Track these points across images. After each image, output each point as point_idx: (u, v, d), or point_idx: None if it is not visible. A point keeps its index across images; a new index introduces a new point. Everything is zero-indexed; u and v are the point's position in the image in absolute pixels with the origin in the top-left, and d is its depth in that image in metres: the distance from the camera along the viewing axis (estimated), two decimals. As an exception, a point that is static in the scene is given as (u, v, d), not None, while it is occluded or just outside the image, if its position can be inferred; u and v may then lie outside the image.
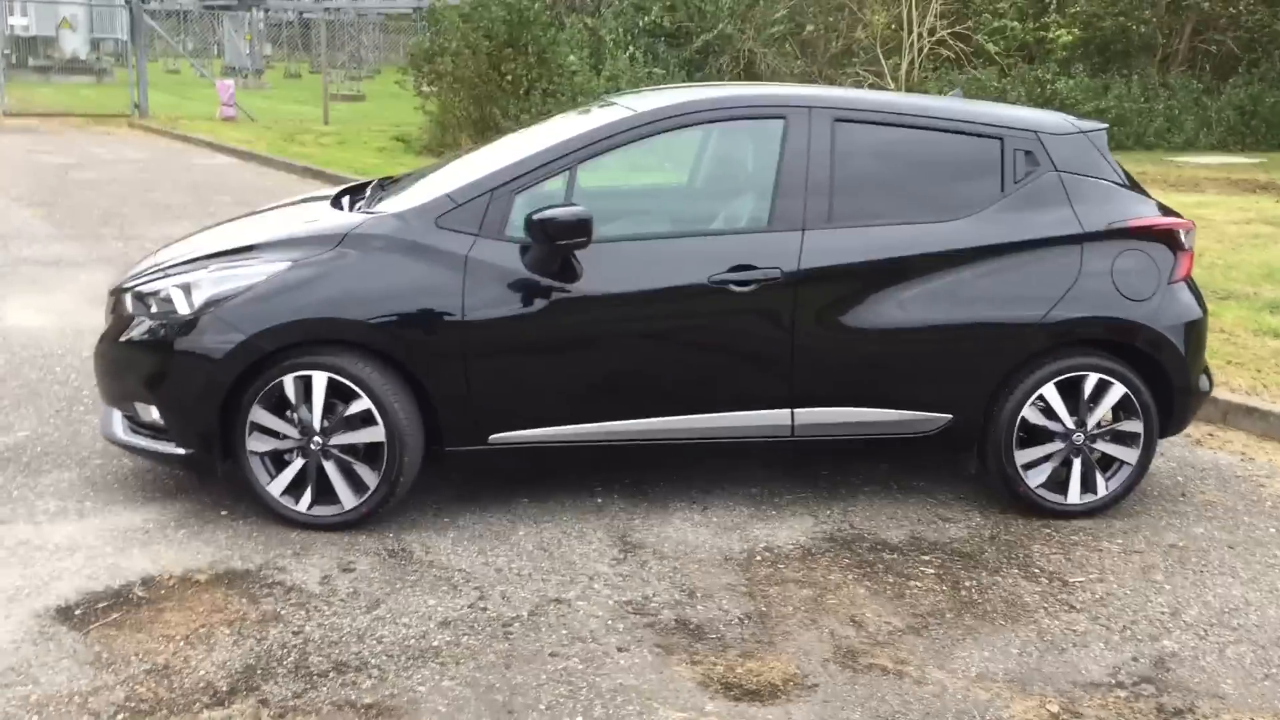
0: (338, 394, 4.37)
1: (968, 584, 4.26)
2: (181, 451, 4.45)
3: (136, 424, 4.58)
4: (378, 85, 32.30)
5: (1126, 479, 4.82)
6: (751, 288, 4.48)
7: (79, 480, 4.88)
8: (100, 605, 3.89)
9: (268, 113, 23.12)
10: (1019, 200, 4.71)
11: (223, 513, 4.61)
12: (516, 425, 4.49)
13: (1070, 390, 4.73)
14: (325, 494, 4.46)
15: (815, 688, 3.55)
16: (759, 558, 4.41)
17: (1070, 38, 19.11)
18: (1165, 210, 4.94)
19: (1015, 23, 19.44)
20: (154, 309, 4.52)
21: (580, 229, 4.29)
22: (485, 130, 16.56)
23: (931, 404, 4.68)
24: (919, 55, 19.05)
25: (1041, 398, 4.71)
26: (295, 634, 3.75)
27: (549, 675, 3.56)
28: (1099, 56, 20.68)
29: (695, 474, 5.07)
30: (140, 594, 3.98)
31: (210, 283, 4.41)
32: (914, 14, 18.79)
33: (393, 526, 4.52)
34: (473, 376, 4.40)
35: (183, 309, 4.42)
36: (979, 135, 4.78)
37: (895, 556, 4.46)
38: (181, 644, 3.67)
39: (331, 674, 3.53)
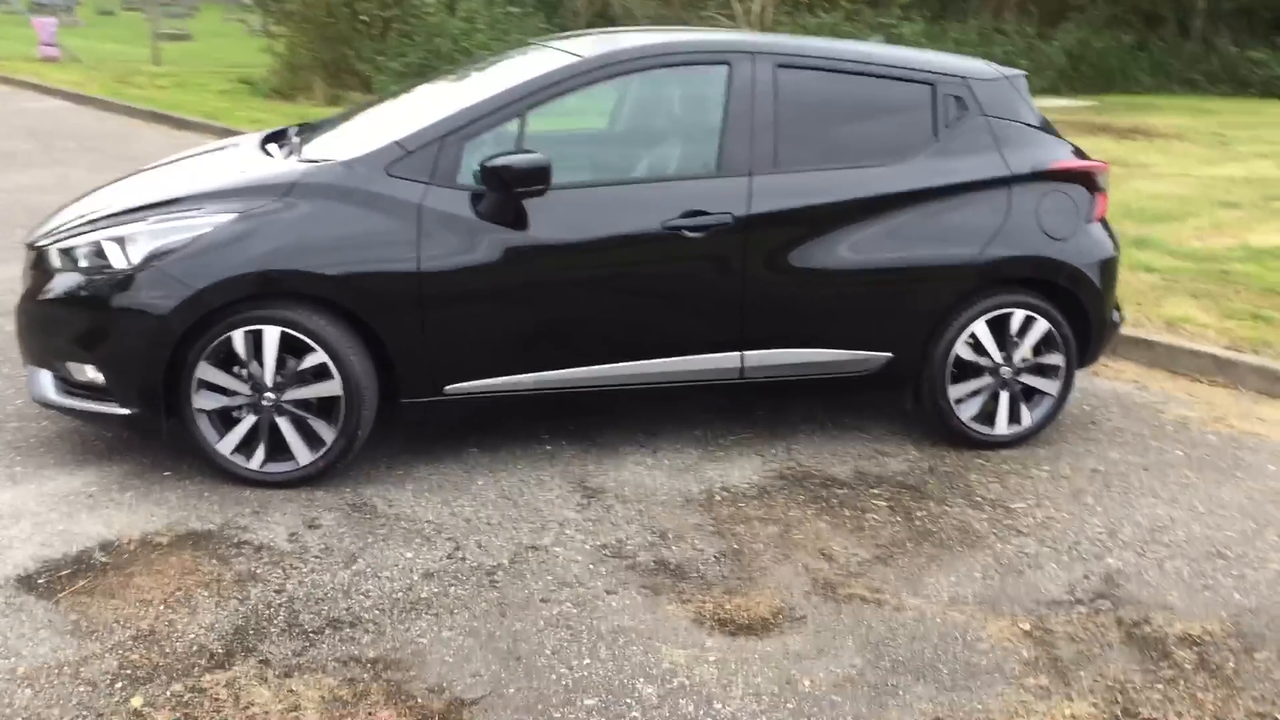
0: (290, 348, 4.27)
1: (919, 514, 4.44)
2: (125, 411, 4.29)
3: (70, 384, 4.39)
4: (201, 24, 31.00)
5: (1048, 409, 5.08)
6: (703, 233, 4.53)
7: (3, 445, 4.65)
8: (64, 573, 3.75)
9: (89, 52, 21.95)
10: (950, 144, 4.88)
11: (165, 473, 4.48)
12: (472, 375, 4.47)
13: (997, 326, 4.93)
14: (277, 450, 4.37)
15: (803, 619, 3.68)
16: (718, 497, 4.51)
17: (914, -18, 19.58)
18: (1079, 153, 5.17)
19: (862, -34, 19.81)
20: (84, 263, 4.33)
21: (538, 176, 4.27)
22: (339, 73, 16.16)
23: (873, 343, 4.84)
24: (770, -1, 19.24)
25: (973, 335, 4.91)
26: (277, 592, 3.69)
27: (546, 621, 3.60)
28: (936, 2, 21.24)
29: (639, 418, 5.13)
30: (102, 559, 3.85)
31: (150, 235, 4.24)
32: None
33: (348, 481, 4.47)
34: (429, 327, 4.36)
35: (119, 263, 4.25)
36: (911, 81, 4.92)
37: (846, 491, 4.61)
38: (161, 608, 3.57)
39: (327, 630, 3.49)
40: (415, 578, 3.82)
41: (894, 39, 19.41)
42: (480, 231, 4.36)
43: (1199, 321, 6.65)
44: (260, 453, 4.34)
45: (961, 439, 5.02)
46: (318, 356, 4.26)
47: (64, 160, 11.27)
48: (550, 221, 4.41)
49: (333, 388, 4.30)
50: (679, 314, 4.64)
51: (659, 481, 4.62)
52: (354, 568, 3.86)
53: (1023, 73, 5.21)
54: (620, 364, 4.61)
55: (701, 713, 3.17)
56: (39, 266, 4.45)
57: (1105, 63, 21.05)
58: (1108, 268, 5.07)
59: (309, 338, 4.25)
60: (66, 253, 4.37)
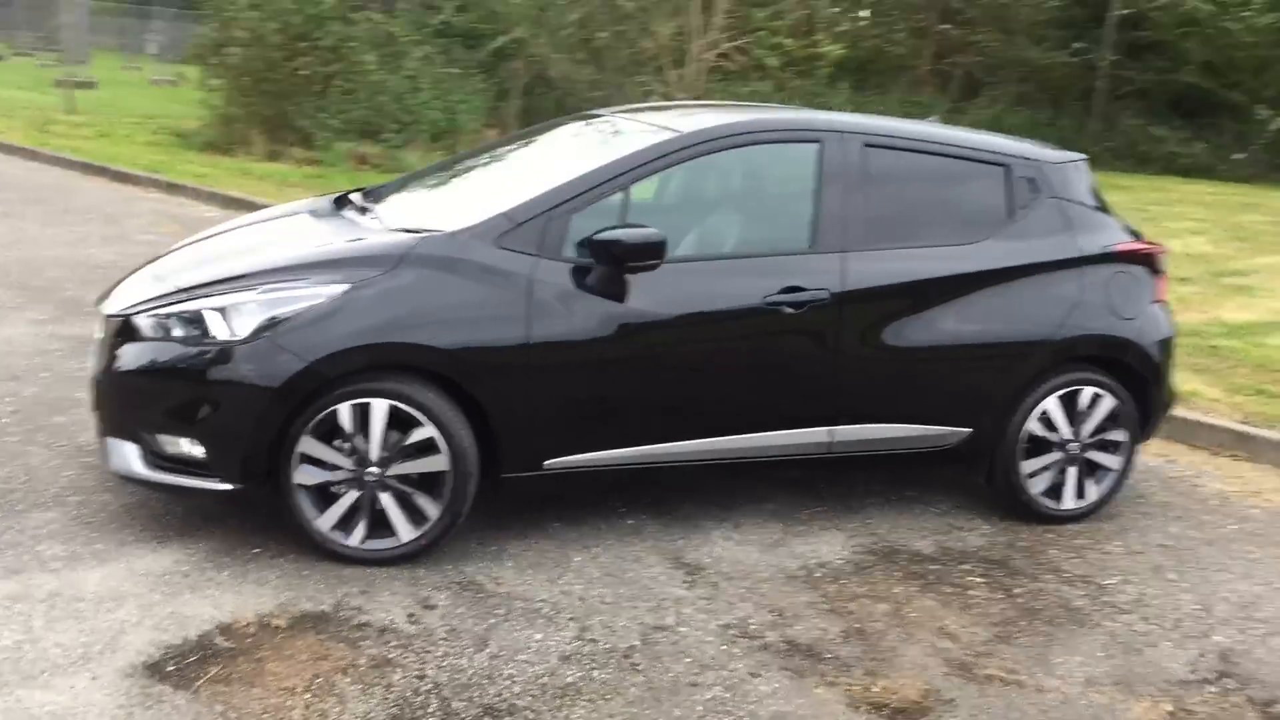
0: (394, 422, 4.16)
1: (1018, 591, 4.49)
2: (228, 487, 4.13)
3: (160, 458, 4.20)
4: (98, 71, 30.23)
5: (1111, 484, 5.20)
6: (801, 309, 4.56)
7: (70, 520, 4.44)
8: (190, 660, 3.57)
9: (-10, 98, 21.26)
10: (1025, 225, 5.01)
11: (255, 550, 4.31)
12: (573, 450, 4.42)
13: (1067, 403, 5.04)
14: (377, 527, 4.24)
15: (953, 702, 3.68)
16: (818, 574, 4.50)
17: (841, 53, 20.07)
18: (1137, 234, 5.35)
19: (789, 39, 20.24)
20: (180, 333, 4.17)
21: (653, 251, 4.27)
22: (279, 128, 15.91)
23: (955, 419, 4.90)
24: (702, 66, 19.54)
25: (1045, 411, 5.01)
26: (419, 678, 3.58)
27: (705, 706, 3.54)
28: (859, 74, 21.83)
29: (710, 491, 5.09)
30: (225, 644, 3.68)
31: (260, 306, 4.11)
32: (697, 25, 19.25)
33: (446, 559, 4.35)
34: (535, 400, 4.29)
35: (222, 334, 4.11)
36: (987, 162, 5.04)
37: (938, 567, 4.64)
38: (308, 696, 3.43)
39: (487, 719, 3.37)
40: (553, 661, 3.73)
41: (822, 107, 19.85)
42: (587, 304, 4.33)
43: (1207, 396, 6.88)
44: (361, 529, 4.21)
45: (1030, 513, 5.11)
46: (426, 430, 4.16)
47: (11, 213, 10.86)
48: (654, 295, 4.40)
49: (440, 463, 4.20)
50: (774, 389, 4.65)
51: (753, 558, 4.59)
52: (487, 650, 3.76)
53: (1085, 156, 5.37)
54: (715, 439, 4.59)
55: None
56: (124, 336, 4.28)
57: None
58: (1167, 347, 5.23)
59: (418, 411, 4.15)
60: (159, 321, 4.21)
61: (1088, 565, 4.76)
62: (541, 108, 18.25)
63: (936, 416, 4.87)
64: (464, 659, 3.70)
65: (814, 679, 3.74)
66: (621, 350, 4.39)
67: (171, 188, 13.12)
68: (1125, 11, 22.38)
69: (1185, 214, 15.39)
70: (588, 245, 4.30)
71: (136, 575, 4.05)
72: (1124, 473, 5.22)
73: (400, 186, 5.30)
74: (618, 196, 4.46)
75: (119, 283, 4.79)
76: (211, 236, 5.04)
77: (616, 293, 4.35)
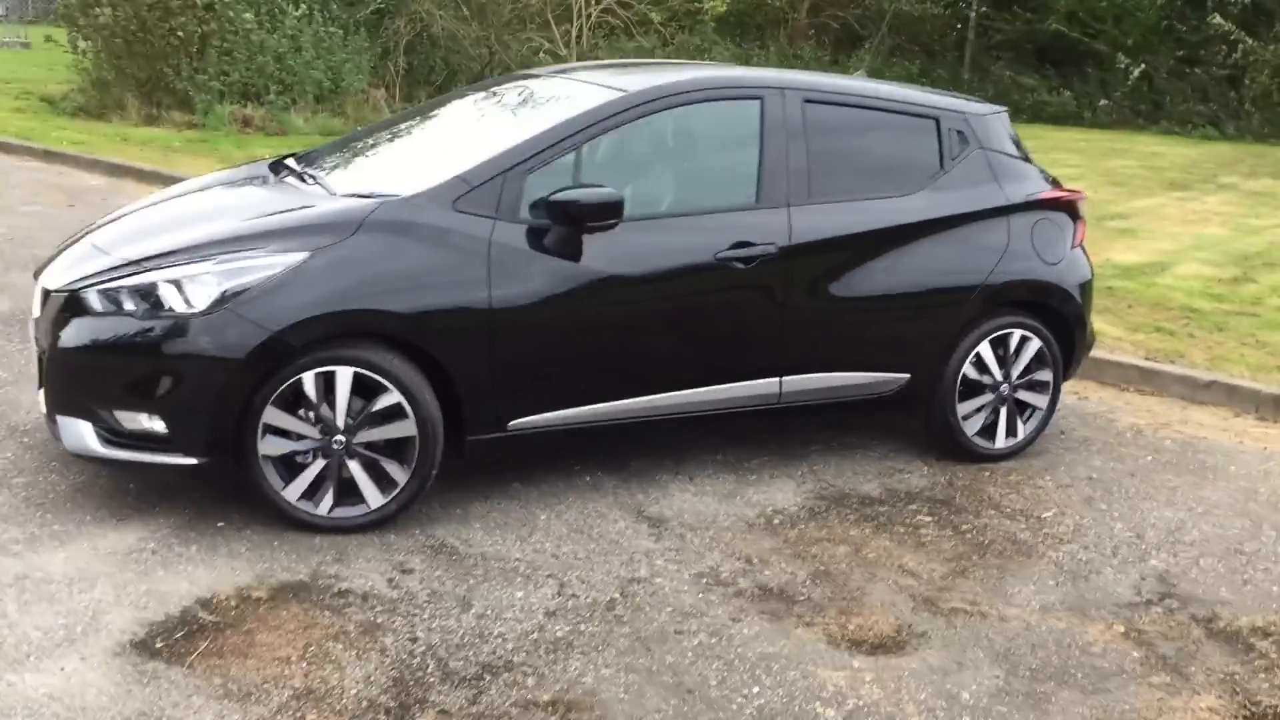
0: (360, 388, 4.17)
1: (965, 528, 4.70)
2: (192, 461, 4.08)
3: (116, 434, 4.14)
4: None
5: (1039, 422, 5.45)
6: (751, 264, 4.67)
7: (20, 502, 4.34)
8: (178, 635, 3.56)
9: None
10: (956, 176, 5.19)
11: (219, 524, 4.28)
12: (535, 410, 4.47)
13: (997, 346, 5.25)
14: (345, 495, 4.25)
15: (925, 635, 3.86)
16: (776, 521, 4.65)
17: (723, 8, 20.19)
18: (1056, 183, 5.58)
19: (672, -7, 20.31)
20: (133, 307, 4.09)
21: (610, 210, 4.32)
22: (154, 91, 15.41)
23: (894, 365, 5.08)
24: (588, 22, 19.48)
25: (978, 354, 5.22)
26: (411, 641, 3.62)
27: (694, 652, 3.65)
28: (739, 27, 21.98)
29: (658, 445, 5.16)
30: (209, 618, 3.67)
31: (217, 277, 4.05)
32: (580, -20, 19.18)
33: (413, 523, 4.38)
34: (497, 363, 4.33)
35: (179, 306, 4.05)
36: (919, 115, 5.20)
37: (887, 509, 4.83)
38: (304, 664, 3.45)
39: (486, 677, 3.45)
40: (540, 617, 3.80)
41: (707, 60, 19.99)
42: (545, 265, 4.37)
43: (1111, 335, 7.21)
44: (329, 498, 4.21)
45: (966, 453, 5.32)
46: (392, 397, 4.17)
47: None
48: (610, 254, 4.46)
49: (407, 428, 4.21)
50: (727, 342, 4.75)
51: (712, 508, 4.71)
52: (473, 611, 3.81)
53: (1005, 109, 5.57)
54: (671, 393, 4.69)
55: (892, 730, 3.30)
56: (70, 310, 4.18)
57: (897, 88, 22.21)
58: (1087, 289, 5.49)
59: (383, 377, 4.15)
60: (109, 295, 4.12)
61: (1024, 500, 5.00)
62: (425, 66, 17.98)
63: (878, 364, 5.04)
64: (452, 620, 3.74)
65: (791, 621, 3.88)
66: (580, 309, 4.44)
67: (48, 155, 12.62)
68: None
69: (1060, 160, 15.89)
70: (544, 206, 4.33)
71: (102, 554, 3.99)
72: (1050, 411, 5.47)
73: (338, 150, 5.24)
74: (570, 157, 4.49)
75: (55, 255, 4.66)
76: (149, 206, 4.93)
77: (574, 253, 4.40)
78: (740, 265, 4.65)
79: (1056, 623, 3.98)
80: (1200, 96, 21.80)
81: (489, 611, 3.81)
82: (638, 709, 3.34)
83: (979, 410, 5.29)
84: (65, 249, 4.67)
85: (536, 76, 5.48)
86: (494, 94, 5.38)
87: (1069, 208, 5.43)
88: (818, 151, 4.87)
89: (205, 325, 3.99)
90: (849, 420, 5.59)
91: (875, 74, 21.65)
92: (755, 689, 3.47)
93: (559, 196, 4.29)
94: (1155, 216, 11.42)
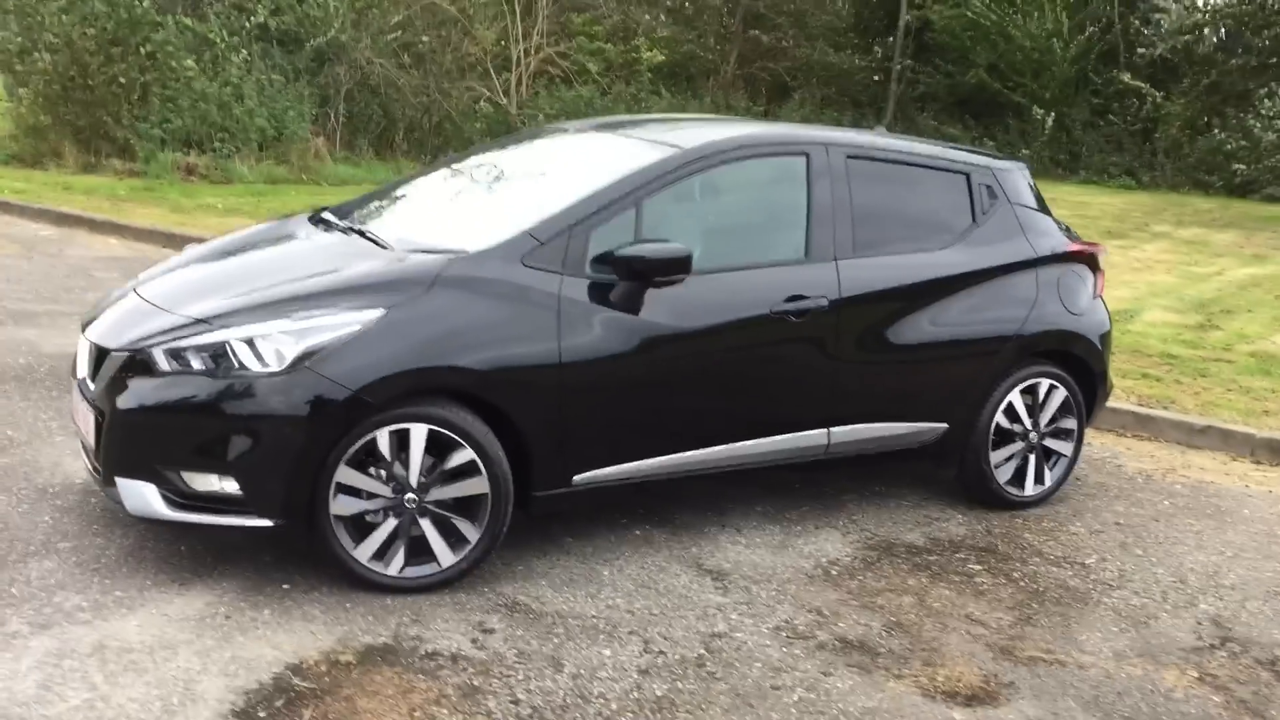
0: (432, 446, 4.13)
1: (1015, 575, 4.78)
2: (267, 523, 3.99)
3: (184, 497, 4.04)
4: None
5: (1064, 469, 5.58)
6: (803, 317, 4.73)
7: (73, 568, 4.20)
8: (278, 704, 3.47)
9: None
10: (988, 230, 5.32)
11: (284, 585, 4.19)
12: (599, 464, 4.46)
13: (1027, 395, 5.38)
14: (415, 554, 4.19)
15: (1013, 684, 3.91)
16: (834, 572, 4.68)
17: (661, 59, 20.43)
18: (1073, 235, 5.74)
19: (609, 45, 20.48)
20: (202, 366, 4.01)
21: (679, 265, 4.35)
22: (94, 139, 15.13)
23: (934, 415, 5.17)
24: (527, 71, 19.58)
25: (1009, 404, 5.33)
26: (514, 704, 3.57)
27: (797, 708, 3.66)
28: (673, 79, 22.25)
29: (696, 498, 5.16)
30: (303, 684, 3.58)
31: (294, 335, 3.99)
32: (519, 31, 19.29)
33: (478, 581, 4.33)
34: (565, 418, 4.32)
35: (255, 365, 3.97)
36: (951, 170, 5.33)
37: (936, 557, 4.89)
38: (415, 732, 3.38)
39: (601, 739, 3.41)
40: (635, 676, 3.78)
41: (645, 110, 20.18)
42: (612, 319, 4.38)
43: (1101, 382, 7.38)
44: (400, 558, 4.14)
45: (998, 501, 5.42)
46: (465, 454, 4.14)
47: None
48: (674, 308, 4.49)
49: (480, 485, 4.17)
50: (780, 395, 4.80)
51: (768, 560, 4.73)
52: (566, 671, 3.77)
53: (1026, 163, 5.73)
54: (727, 445, 4.71)
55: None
56: (132, 370, 4.08)
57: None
58: (1107, 339, 5.65)
59: (458, 434, 4.11)
60: (176, 354, 4.03)
61: (1063, 547, 5.09)
62: (365, 115, 17.89)
63: (919, 414, 5.12)
64: (548, 681, 3.70)
65: (880, 674, 3.90)
66: (644, 363, 4.45)
67: (-11, 204, 12.30)
68: (913, 17, 23.55)
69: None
70: (611, 261, 4.34)
71: (174, 620, 3.88)
72: (1074, 458, 5.59)
73: (376, 203, 5.21)
74: (630, 212, 4.51)
75: (100, 310, 4.56)
76: (199, 262, 4.82)
77: (639, 307, 4.41)
78: (793, 319, 4.70)
79: (1133, 669, 4.06)
80: (1115, 147, 22.57)
81: (582, 671, 3.77)
82: (760, 767, 3.32)
83: (1009, 459, 5.40)
84: (112, 304, 4.55)
85: (564, 131, 5.50)
86: (529, 148, 5.39)
87: (1089, 260, 5.59)
88: (861, 206, 4.96)
89: (283, 384, 3.92)
90: (875, 469, 5.64)
91: (806, 121, 22.09)
92: (868, 744, 3.47)
93: (628, 252, 4.31)
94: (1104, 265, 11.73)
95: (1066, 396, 5.46)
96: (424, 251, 4.40)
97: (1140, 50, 22.76)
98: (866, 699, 3.72)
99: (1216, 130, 22.04)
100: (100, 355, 4.25)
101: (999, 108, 23.83)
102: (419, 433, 4.07)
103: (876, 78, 24.62)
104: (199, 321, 4.09)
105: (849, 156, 5.01)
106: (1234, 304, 10.28)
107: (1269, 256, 13.74)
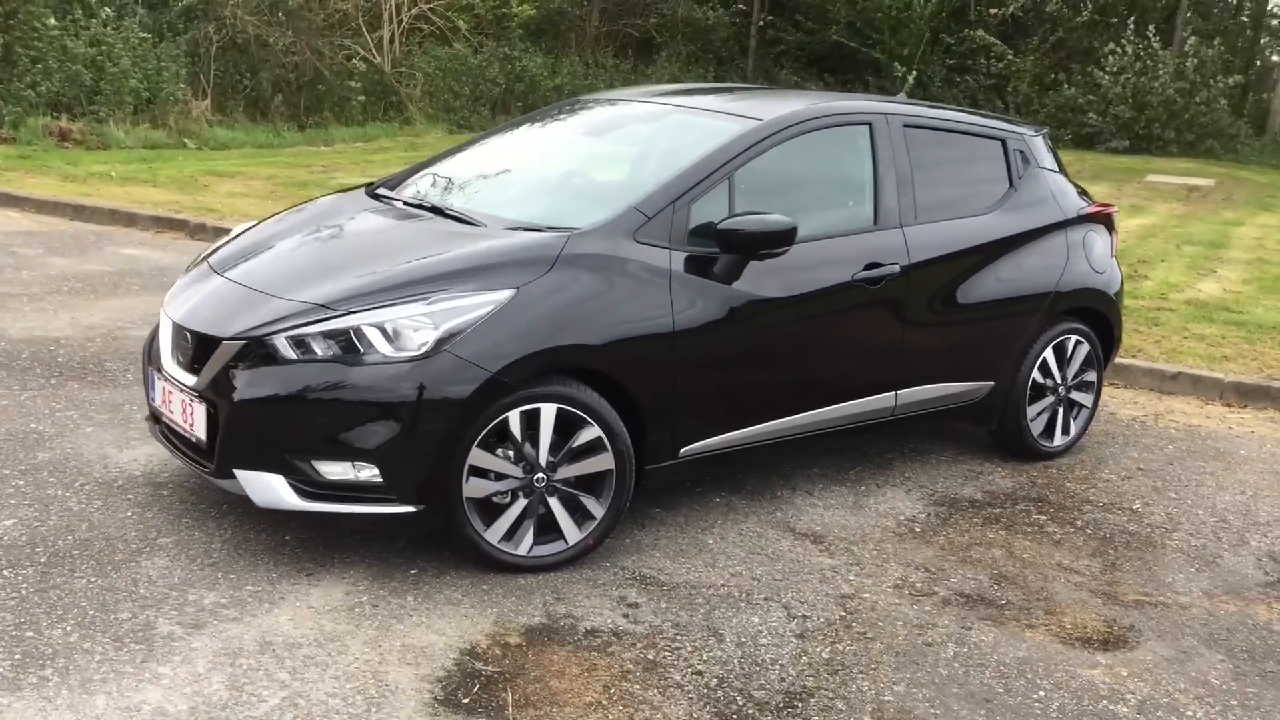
0: (560, 424, 4.13)
1: (1079, 523, 5.05)
2: (409, 509, 3.93)
3: (315, 486, 3.94)
4: None
5: (1086, 419, 5.88)
6: (879, 284, 4.87)
7: (190, 563, 4.07)
8: (476, 688, 3.45)
9: None
10: (1024, 194, 5.54)
11: (412, 571, 4.14)
12: (703, 435, 4.52)
13: (1058, 350, 5.65)
14: (542, 532, 4.20)
15: (1134, 627, 4.16)
16: (918, 529, 4.86)
17: (532, 12, 20.21)
18: (1087, 195, 6.03)
19: (479, 1, 20.16)
20: (330, 352, 3.91)
21: (784, 238, 4.42)
22: (-46, 101, 14.20)
23: (984, 374, 5.39)
24: (399, 28, 19.14)
25: (1043, 360, 5.59)
26: (698, 675, 3.63)
27: (958, 661, 3.82)
28: (541, 35, 22.06)
29: (753, 463, 5.20)
30: (489, 669, 3.57)
31: (432, 319, 3.92)
32: (390, -13, 18.83)
33: (597, 557, 4.34)
34: (678, 390, 4.37)
35: (389, 350, 3.89)
36: (990, 137, 5.53)
37: (1000, 510, 5.13)
38: (623, 707, 3.42)
39: (799, 704, 3.51)
40: (795, 641, 3.87)
41: (519, 69, 19.97)
42: (716, 291, 4.43)
43: (1067, 334, 7.76)
44: (529, 537, 4.14)
45: (1030, 453, 5.69)
46: (592, 431, 4.14)
47: None
48: (771, 279, 4.56)
49: (605, 461, 4.19)
50: (858, 359, 4.93)
51: (851, 520, 4.88)
52: (728, 640, 3.85)
53: (1047, 129, 5.97)
54: (812, 411, 4.82)
55: (1182, 718, 3.57)
56: (252, 360, 3.95)
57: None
58: (1121, 295, 5.96)
59: (584, 412, 4.12)
60: (301, 342, 3.92)
61: (1105, 494, 5.39)
62: (235, 74, 17.23)
63: (972, 373, 5.32)
64: (718, 650, 3.77)
65: (1014, 625, 4.10)
66: (744, 333, 4.52)
67: None
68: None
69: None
70: (716, 234, 4.38)
71: (324, 613, 3.80)
72: (1094, 408, 5.89)
73: (438, 177, 5.13)
74: (724, 185, 4.55)
75: (176, 298, 4.39)
76: (273, 242, 4.64)
77: (739, 277, 4.47)
78: (870, 286, 4.82)
79: (1228, 606, 4.35)
80: (970, 102, 23.38)
81: (744, 639, 3.85)
82: (956, 721, 3.46)
83: (1041, 412, 5.65)
84: (190, 286, 4.39)
85: (615, 102, 5.48)
86: (584, 119, 5.36)
87: (1107, 220, 5.88)
88: (919, 173, 5.10)
89: (424, 369, 3.85)
90: (919, 429, 5.83)
91: (674, 80, 22.21)
92: (1040, 693, 3.66)
93: (733, 224, 4.36)
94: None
95: (1089, 350, 5.74)
96: (525, 229, 4.36)
97: (993, 10, 23.55)
98: (1014, 650, 3.90)
99: (1065, 85, 23.06)
100: (203, 343, 4.08)
101: (857, 64, 24.41)
102: (549, 412, 4.05)
103: (743, 34, 24.86)
104: (321, 307, 3.97)
105: (905, 125, 5.13)
106: (1144, 254, 10.87)
107: (1146, 207, 14.55)
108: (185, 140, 14.98)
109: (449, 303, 3.93)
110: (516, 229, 4.36)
